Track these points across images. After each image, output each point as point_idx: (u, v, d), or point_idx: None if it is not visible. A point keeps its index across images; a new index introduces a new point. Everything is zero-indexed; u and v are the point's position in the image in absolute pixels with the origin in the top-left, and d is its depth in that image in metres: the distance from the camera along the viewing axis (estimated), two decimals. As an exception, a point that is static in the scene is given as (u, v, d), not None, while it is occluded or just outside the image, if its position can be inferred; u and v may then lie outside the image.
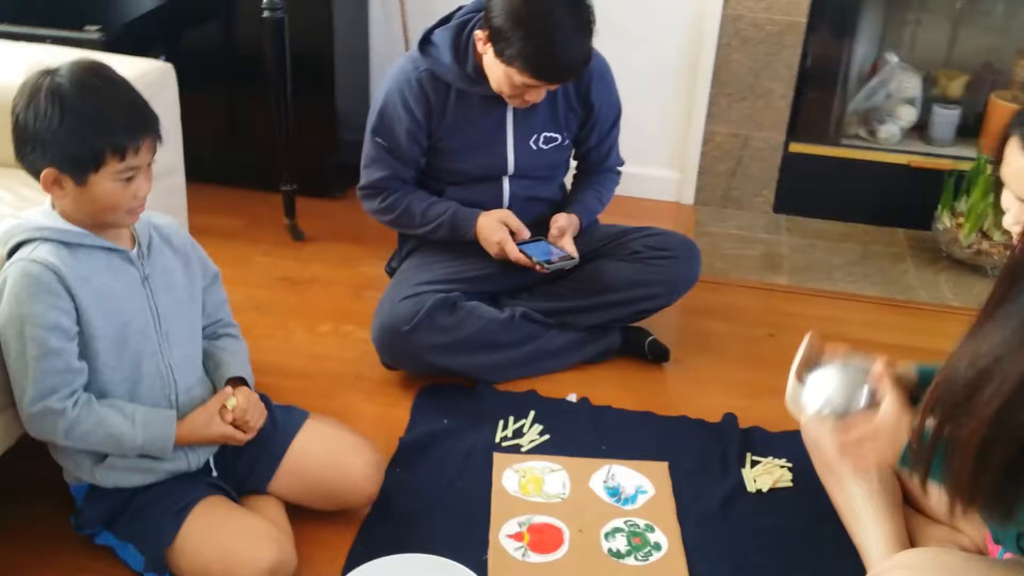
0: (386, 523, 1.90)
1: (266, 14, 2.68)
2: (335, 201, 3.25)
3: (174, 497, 1.72)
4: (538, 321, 2.40)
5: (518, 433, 2.18)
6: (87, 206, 1.60)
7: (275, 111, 2.80)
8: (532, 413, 2.23)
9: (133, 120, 1.58)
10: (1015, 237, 1.53)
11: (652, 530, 1.92)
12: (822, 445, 1.81)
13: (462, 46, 2.26)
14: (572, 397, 2.32)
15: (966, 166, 3.09)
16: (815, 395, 1.72)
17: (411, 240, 2.51)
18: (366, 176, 2.41)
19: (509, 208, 2.43)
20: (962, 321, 2.82)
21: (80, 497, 1.77)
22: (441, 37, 2.28)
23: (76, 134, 1.53)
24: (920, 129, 3.31)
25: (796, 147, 3.24)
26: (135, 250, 1.71)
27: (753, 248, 3.09)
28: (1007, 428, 1.30)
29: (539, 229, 2.40)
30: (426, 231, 2.40)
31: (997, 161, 1.52)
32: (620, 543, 1.89)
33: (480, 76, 2.24)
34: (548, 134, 2.39)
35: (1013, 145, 1.47)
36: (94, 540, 1.78)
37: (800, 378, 1.79)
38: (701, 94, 3.20)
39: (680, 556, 1.87)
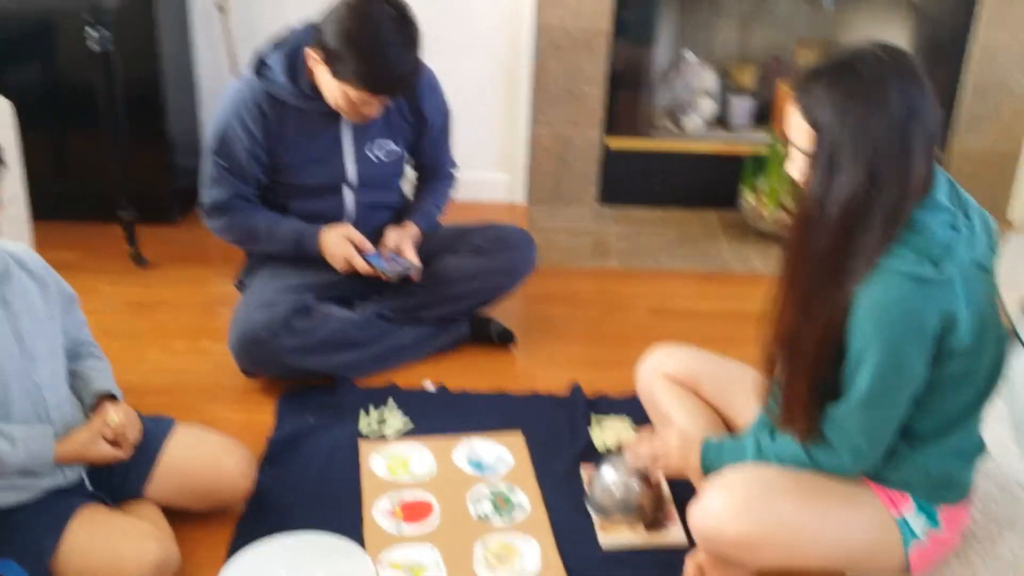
0: (262, 517, 1.98)
1: (95, 48, 2.71)
2: (174, 226, 3.28)
3: (52, 510, 1.76)
4: (389, 318, 2.53)
5: (382, 423, 2.30)
6: None
7: (108, 142, 2.83)
8: (392, 401, 2.36)
9: None
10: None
11: (514, 491, 2.08)
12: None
13: (295, 66, 2.37)
14: (429, 385, 2.46)
15: (763, 149, 3.41)
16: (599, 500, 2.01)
17: (258, 254, 2.60)
18: (208, 196, 2.49)
19: (354, 217, 2.56)
20: (768, 284, 3.15)
21: (-47, 522, 1.78)
22: (275, 59, 2.39)
23: None
24: (720, 119, 3.62)
25: (613, 142, 3.49)
26: None
27: (583, 239, 3.31)
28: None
29: (382, 237, 2.53)
30: (272, 248, 2.50)
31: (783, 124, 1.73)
32: (486, 507, 2.04)
33: (315, 93, 2.36)
34: (384, 143, 2.52)
35: (791, 102, 1.66)
36: (-30, 564, 1.79)
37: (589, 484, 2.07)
38: (523, 99, 3.42)
39: (542, 512, 2.03)
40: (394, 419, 2.31)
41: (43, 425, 1.76)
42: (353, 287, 2.56)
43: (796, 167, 1.69)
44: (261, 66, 2.41)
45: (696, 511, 1.74)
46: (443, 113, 2.61)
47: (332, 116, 2.42)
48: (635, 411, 2.33)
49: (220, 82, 3.40)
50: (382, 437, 2.25)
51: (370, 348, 2.48)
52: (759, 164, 3.31)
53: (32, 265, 1.86)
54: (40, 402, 1.77)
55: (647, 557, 1.93)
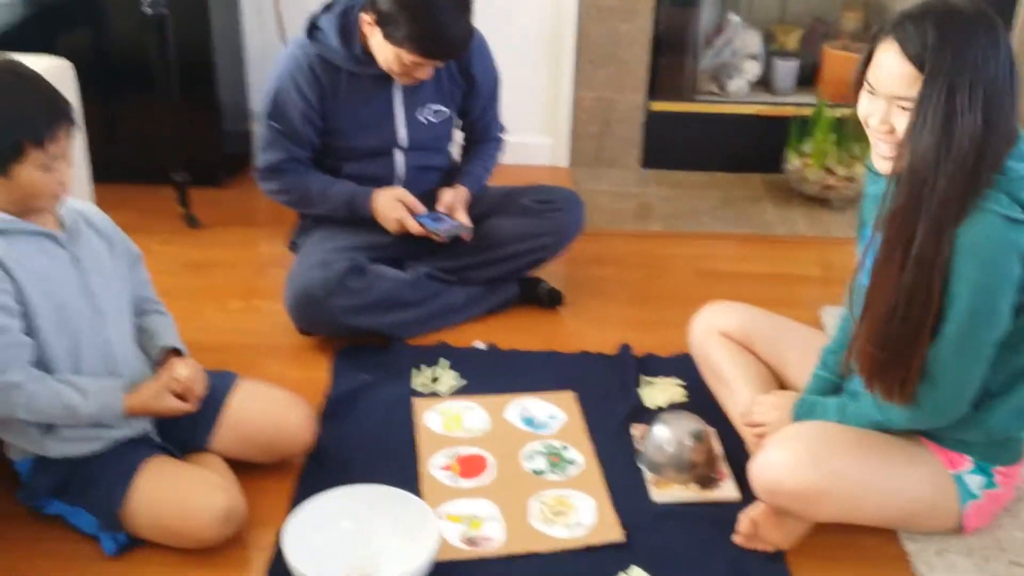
0: (322, 470, 2.03)
1: (148, 11, 2.74)
2: (224, 190, 3.33)
3: (122, 460, 1.82)
4: (440, 279, 2.57)
5: (435, 380, 2.34)
6: (13, 195, 1.69)
7: (162, 107, 2.87)
8: (445, 361, 2.40)
9: (49, 111, 1.67)
10: (880, 145, 1.66)
11: (567, 448, 2.12)
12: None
13: (348, 30, 2.39)
14: (480, 344, 2.49)
15: (808, 112, 3.40)
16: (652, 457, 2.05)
17: (311, 217, 2.64)
18: (263, 159, 2.52)
19: (404, 179, 2.59)
20: (814, 247, 3.15)
21: (26, 470, 1.85)
22: (327, 23, 2.41)
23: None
24: (764, 82, 3.61)
25: (656, 106, 3.49)
26: (63, 234, 1.80)
27: (627, 202, 3.33)
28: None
29: (432, 199, 2.57)
30: (325, 210, 2.54)
31: (865, 66, 1.64)
32: (540, 463, 2.08)
33: (368, 57, 2.39)
34: (435, 107, 2.55)
35: (887, 47, 1.57)
36: (44, 511, 1.86)
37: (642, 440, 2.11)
38: (566, 63, 3.42)
39: (595, 467, 2.07)
40: (447, 376, 2.35)
41: (113, 378, 1.82)
42: (405, 248, 2.59)
43: (878, 117, 1.63)
44: (314, 30, 2.43)
45: (758, 463, 1.77)
46: (493, 76, 2.63)
47: (384, 79, 2.44)
48: (684, 371, 2.37)
49: (266, 47, 3.42)
50: (435, 394, 2.29)
51: (422, 308, 2.52)
52: (804, 127, 3.30)
53: (101, 224, 1.91)
54: (109, 356, 1.83)
55: (699, 512, 1.96)
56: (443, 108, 2.57)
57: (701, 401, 2.24)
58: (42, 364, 1.75)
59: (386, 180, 2.59)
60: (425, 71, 2.36)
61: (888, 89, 1.59)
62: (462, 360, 2.42)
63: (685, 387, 2.33)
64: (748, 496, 1.97)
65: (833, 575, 1.82)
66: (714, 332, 2.20)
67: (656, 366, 2.41)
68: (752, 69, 3.54)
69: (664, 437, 2.04)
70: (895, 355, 1.64)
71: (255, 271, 2.86)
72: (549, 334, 2.57)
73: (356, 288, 2.42)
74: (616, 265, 2.91)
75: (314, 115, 2.46)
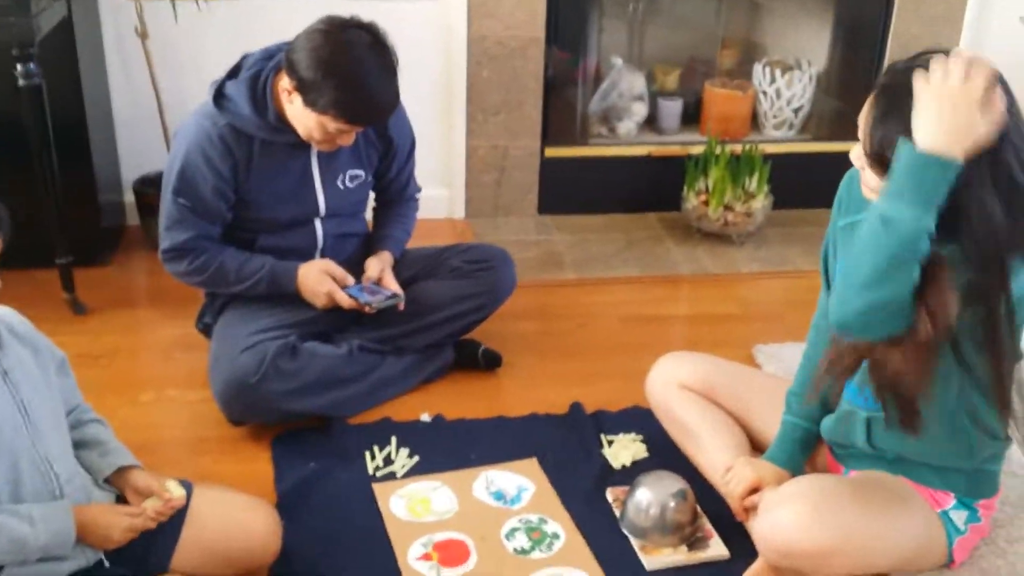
0: (293, 573, 1.87)
1: (22, 83, 2.50)
2: (105, 268, 3.06)
3: (76, 600, 1.61)
4: (375, 351, 2.43)
5: (388, 461, 2.21)
6: None
7: (41, 182, 2.62)
8: (394, 439, 2.27)
9: None
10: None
11: (545, 522, 2.04)
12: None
13: (259, 96, 2.25)
14: (425, 416, 2.38)
15: (696, 149, 3.46)
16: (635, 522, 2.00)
17: (222, 294, 2.46)
18: (170, 239, 2.33)
19: (323, 248, 2.46)
20: (726, 284, 3.20)
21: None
22: (235, 90, 2.25)
23: None
24: (650, 122, 3.65)
25: (551, 151, 3.47)
26: None
27: (533, 250, 3.28)
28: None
29: (352, 267, 2.44)
30: (242, 288, 2.37)
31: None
32: (522, 541, 1.98)
33: (283, 124, 2.25)
34: (352, 172, 2.43)
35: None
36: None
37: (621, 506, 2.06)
38: (459, 112, 3.35)
39: (579, 539, 1.99)
40: (400, 456, 2.22)
41: (59, 502, 1.61)
42: (331, 321, 2.45)
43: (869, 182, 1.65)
44: (220, 98, 2.27)
45: (764, 525, 1.74)
46: (409, 136, 2.53)
47: (300, 146, 2.31)
48: (639, 424, 2.34)
49: (136, 117, 3.20)
50: (392, 475, 2.16)
51: (359, 384, 2.38)
52: (700, 164, 3.35)
53: (21, 329, 1.70)
54: (51, 477, 1.62)
55: (693, 575, 1.92)
56: (360, 172, 2.45)
57: (664, 455, 2.21)
58: None
59: (306, 251, 2.45)
60: (348, 137, 2.24)
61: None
62: (410, 435, 2.30)
63: (644, 441, 2.29)
64: (737, 553, 1.96)
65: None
66: (673, 385, 2.18)
67: (611, 423, 2.36)
68: (640, 110, 3.57)
69: (646, 500, 1.98)
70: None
71: (160, 357, 2.63)
72: (493, 398, 2.48)
73: (290, 370, 2.26)
74: (540, 318, 2.85)
75: (226, 188, 2.30)
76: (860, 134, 1.61)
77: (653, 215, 3.56)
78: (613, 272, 3.16)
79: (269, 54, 2.28)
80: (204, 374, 2.47)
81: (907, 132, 1.51)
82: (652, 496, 1.98)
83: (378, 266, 2.44)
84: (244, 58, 2.32)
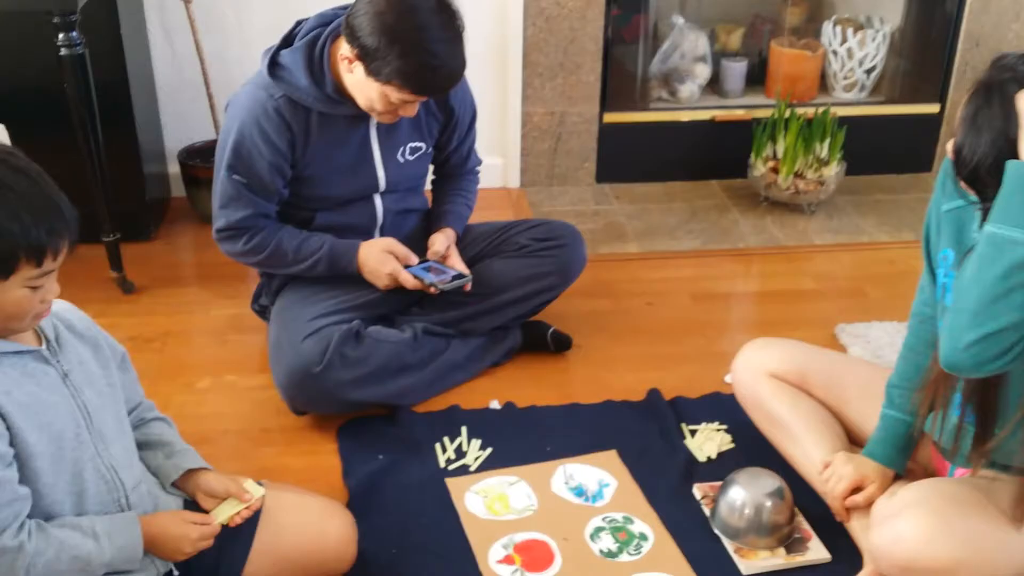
0: (368, 580, 1.77)
1: (64, 52, 2.36)
2: (150, 244, 2.95)
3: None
4: (440, 334, 2.31)
5: (460, 453, 2.10)
6: None
7: (87, 156, 2.50)
8: (464, 429, 2.15)
9: (54, 219, 1.35)
10: None
11: (631, 521, 1.92)
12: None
13: (316, 66, 2.11)
14: (495, 404, 2.26)
15: (761, 113, 3.29)
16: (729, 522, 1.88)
17: (278, 275, 2.34)
18: (225, 217, 2.21)
19: (382, 225, 2.33)
20: (800, 258, 3.03)
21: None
22: (291, 59, 2.11)
23: (9, 229, 1.30)
24: (713, 84, 3.48)
25: (609, 117, 3.31)
26: (44, 346, 1.47)
27: (594, 221, 3.13)
28: None
29: (412, 244, 2.31)
30: (300, 269, 2.25)
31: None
32: (608, 542, 1.87)
33: (342, 96, 2.11)
34: (413, 144, 2.29)
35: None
36: None
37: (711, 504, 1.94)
38: (514, 78, 3.19)
39: (668, 540, 1.87)
40: (472, 448, 2.10)
41: (125, 514, 1.51)
42: (393, 303, 2.33)
43: None
44: (275, 67, 2.13)
45: (884, 537, 1.61)
46: (471, 105, 2.39)
47: (359, 118, 2.17)
48: (720, 413, 2.22)
49: (179, 83, 3.07)
50: (464, 468, 2.05)
51: (425, 370, 2.26)
52: (768, 129, 3.18)
53: (80, 326, 1.58)
54: (116, 486, 1.52)
55: (795, 579, 1.80)
56: (421, 144, 2.31)
57: (750, 446, 2.08)
58: (41, 510, 1.43)
59: (365, 228, 2.32)
60: (412, 108, 2.10)
61: None
62: (480, 425, 2.18)
63: (728, 431, 2.16)
64: (839, 555, 1.84)
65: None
66: (762, 374, 2.04)
67: (691, 411, 2.23)
68: (702, 72, 3.40)
69: (741, 499, 1.86)
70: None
71: (214, 340, 2.52)
72: (563, 384, 2.35)
73: (355, 357, 2.14)
74: (606, 296, 2.71)
75: (283, 164, 2.17)
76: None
77: (716, 183, 3.40)
78: (678, 244, 3.02)
79: (326, 19, 2.14)
80: (262, 358, 2.37)
81: (993, 137, 1.41)
82: (747, 495, 1.86)
83: (444, 243, 2.31)
84: (298, 24, 2.18)
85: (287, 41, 2.16)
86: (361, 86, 2.05)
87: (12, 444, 1.38)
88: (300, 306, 2.24)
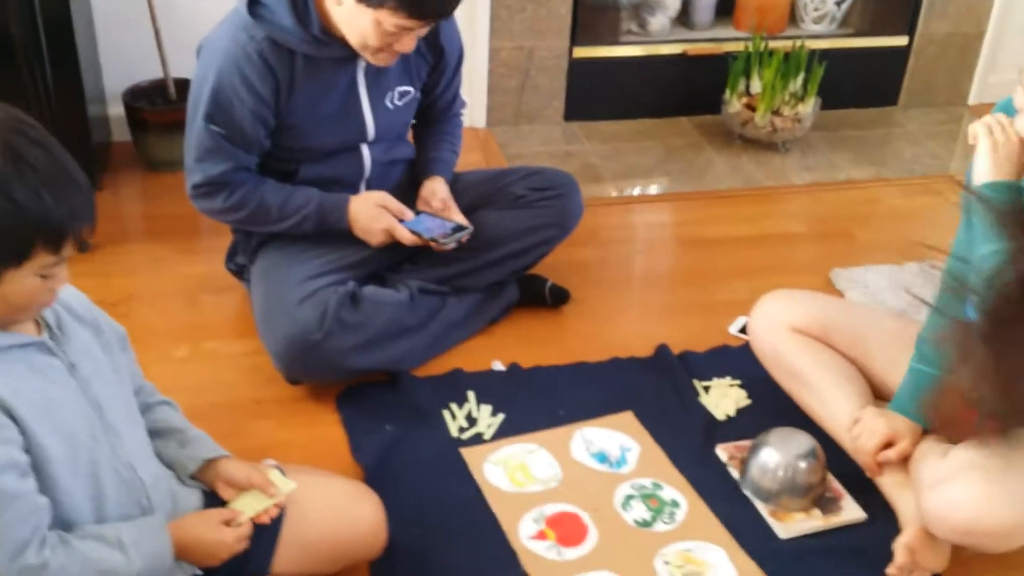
0: (396, 563, 1.66)
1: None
2: (100, 193, 2.72)
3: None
4: (435, 292, 2.18)
5: (471, 420, 1.99)
6: None
7: (34, 99, 2.27)
8: (471, 394, 2.04)
9: (75, 200, 1.20)
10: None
11: (661, 487, 1.85)
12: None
13: (300, 3, 1.92)
14: (498, 365, 2.15)
15: (731, 46, 3.20)
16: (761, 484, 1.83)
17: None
18: (202, 172, 2.02)
19: (369, 177, 2.18)
20: (783, 198, 2.96)
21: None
22: None
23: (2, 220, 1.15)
24: (682, 16, 3.36)
25: (579, 52, 3.17)
26: (47, 336, 1.31)
27: (568, 164, 3.00)
28: None
29: (398, 195, 2.17)
30: (285, 227, 2.09)
31: None
32: (640, 511, 1.80)
33: (329, 36, 1.93)
34: (402, 88, 2.13)
35: None
36: None
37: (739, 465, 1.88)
38: (482, 9, 3.02)
39: (702, 506, 1.82)
40: (483, 415, 2.00)
41: (151, 519, 1.37)
42: (384, 261, 2.19)
43: None
44: (256, 5, 1.94)
45: (941, 501, 1.57)
46: (459, 45, 2.23)
47: (346, 62, 2.01)
48: (732, 367, 2.17)
49: (120, 12, 2.81)
50: (479, 437, 1.95)
51: (425, 332, 2.14)
52: (743, 64, 3.09)
53: (80, 308, 1.42)
54: (136, 485, 1.38)
55: (832, 542, 1.76)
56: (410, 89, 2.15)
57: (767, 402, 2.04)
58: (59, 519, 1.28)
59: (352, 180, 2.17)
60: (409, 42, 1.92)
61: None
62: (487, 389, 2.07)
63: (743, 387, 2.10)
64: (873, 513, 1.81)
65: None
66: (783, 328, 1.98)
67: (702, 366, 2.16)
68: (672, 3, 3.27)
69: (774, 461, 1.81)
70: None
71: (185, 302, 2.33)
72: (566, 340, 2.25)
73: (355, 322, 2.01)
74: (594, 244, 2.60)
75: (267, 113, 1.99)
76: None
77: (687, 120, 3.30)
78: (656, 184, 2.93)
79: None
80: (241, 321, 2.22)
81: None
82: (780, 457, 1.80)
83: (444, 193, 2.17)
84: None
85: (267, -24, 1.97)
86: (352, 18, 1.87)
87: (27, 450, 1.23)
88: (286, 266, 2.08)
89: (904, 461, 1.79)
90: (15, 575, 1.21)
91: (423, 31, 1.95)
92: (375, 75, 2.07)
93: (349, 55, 1.98)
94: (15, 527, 1.20)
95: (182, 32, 2.75)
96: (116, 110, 2.88)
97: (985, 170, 1.63)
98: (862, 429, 1.81)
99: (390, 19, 1.84)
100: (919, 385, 1.79)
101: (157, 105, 2.80)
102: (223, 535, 1.40)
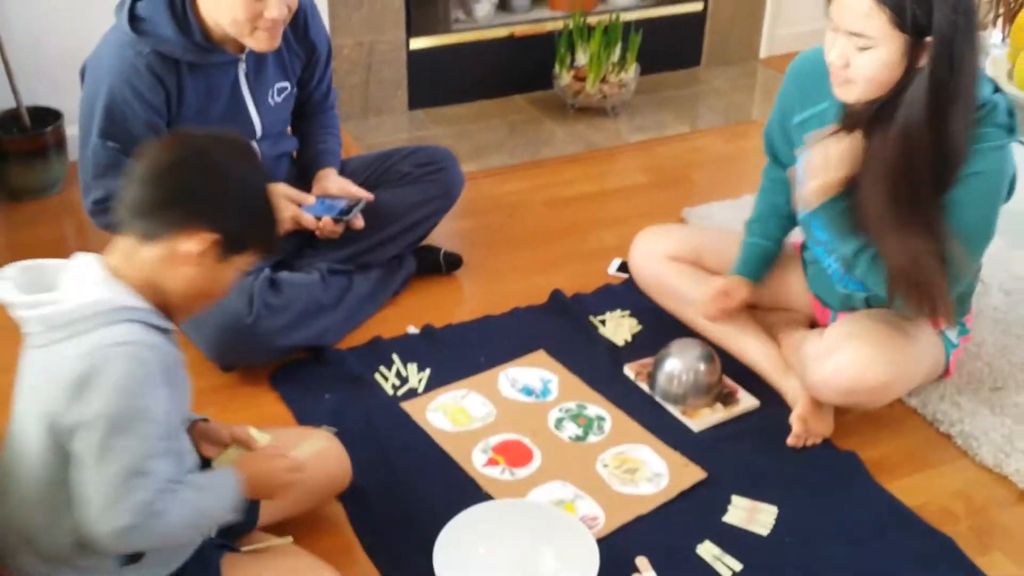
0: (372, 510, 1.82)
1: None
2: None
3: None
4: (341, 271, 2.33)
5: (402, 379, 2.16)
6: (202, 286, 1.41)
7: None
8: (396, 356, 2.21)
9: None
10: (836, 74, 1.75)
11: (585, 407, 2.08)
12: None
13: (179, 13, 2.03)
14: (413, 329, 2.32)
15: (551, 25, 3.48)
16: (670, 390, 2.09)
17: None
18: (103, 188, 2.08)
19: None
20: (624, 156, 3.25)
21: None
22: (152, 9, 2.02)
23: (264, 212, 1.47)
24: (502, 3, 3.61)
25: (416, 42, 3.36)
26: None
27: (424, 147, 3.19)
28: None
29: (290, 185, 2.31)
30: None
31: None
32: (572, 429, 2.02)
33: (210, 43, 2.05)
34: (280, 84, 2.27)
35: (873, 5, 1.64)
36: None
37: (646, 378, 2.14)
38: (320, 7, 3.14)
39: (624, 416, 2.06)
40: (412, 372, 2.17)
41: (221, 470, 1.52)
42: (287, 247, 2.32)
43: (836, 51, 1.71)
44: (134, 20, 2.03)
45: (826, 369, 1.87)
46: (327, 40, 2.39)
47: (228, 66, 2.13)
48: (620, 301, 2.42)
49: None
50: (413, 392, 2.12)
51: (339, 308, 2.28)
52: (566, 40, 3.36)
53: None
54: (191, 445, 1.54)
55: (737, 428, 2.05)
56: (287, 84, 2.29)
57: (656, 324, 2.31)
58: None
59: (247, 177, 2.27)
60: (278, 7, 1.99)
61: (847, 25, 1.67)
62: (409, 350, 2.24)
63: (633, 316, 2.37)
64: (764, 400, 2.10)
65: (872, 442, 2.01)
66: (660, 257, 2.26)
67: (593, 304, 2.41)
68: (493, -10, 3.52)
69: (677, 368, 2.08)
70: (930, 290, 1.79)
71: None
72: (467, 299, 2.46)
73: (279, 305, 2.14)
74: (470, 214, 2.80)
75: (159, 122, 2.08)
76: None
77: (520, 97, 3.56)
78: (508, 157, 3.16)
79: None
80: (157, 324, 2.28)
81: None
82: (682, 364, 2.07)
83: (338, 183, 2.32)
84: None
85: (136, -11, 2.05)
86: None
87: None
88: (200, 264, 2.17)
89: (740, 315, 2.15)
90: (133, 524, 1.30)
91: None
92: (256, 75, 2.20)
93: (231, 59, 2.10)
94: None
95: (31, 61, 2.76)
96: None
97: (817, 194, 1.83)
98: (705, 290, 2.13)
99: None
100: (748, 252, 2.14)
101: (13, 134, 2.79)
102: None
